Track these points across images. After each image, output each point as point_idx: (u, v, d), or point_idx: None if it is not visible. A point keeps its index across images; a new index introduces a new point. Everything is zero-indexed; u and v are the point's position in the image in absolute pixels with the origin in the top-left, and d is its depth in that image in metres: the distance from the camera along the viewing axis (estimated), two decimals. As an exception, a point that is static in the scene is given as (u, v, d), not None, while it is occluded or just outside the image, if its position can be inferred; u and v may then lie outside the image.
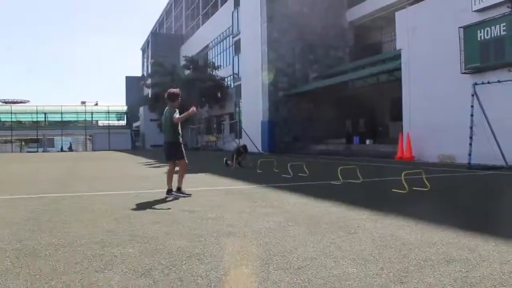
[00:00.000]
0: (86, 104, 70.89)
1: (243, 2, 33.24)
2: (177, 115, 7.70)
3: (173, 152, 7.82)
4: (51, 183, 10.78)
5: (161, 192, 8.05)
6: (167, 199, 7.27)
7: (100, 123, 71.04)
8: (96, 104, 73.01)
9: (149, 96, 52.82)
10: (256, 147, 28.73)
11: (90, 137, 66.90)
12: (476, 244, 3.96)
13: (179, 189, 7.75)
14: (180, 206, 6.52)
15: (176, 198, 7.37)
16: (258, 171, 12.57)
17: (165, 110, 7.89)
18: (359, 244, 4.02)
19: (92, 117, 69.09)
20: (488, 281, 2.98)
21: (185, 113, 7.81)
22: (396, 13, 19.71)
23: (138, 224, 5.12)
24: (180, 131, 7.82)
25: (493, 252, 3.70)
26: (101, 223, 5.22)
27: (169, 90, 8.06)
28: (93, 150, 59.78)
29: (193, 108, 7.92)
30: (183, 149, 7.84)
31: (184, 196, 7.52)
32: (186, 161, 7.89)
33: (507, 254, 3.63)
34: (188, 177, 8.44)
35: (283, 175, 11.07)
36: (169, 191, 7.69)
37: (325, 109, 28.09)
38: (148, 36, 68.86)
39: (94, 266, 3.44)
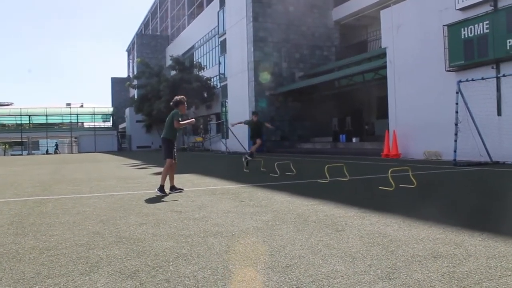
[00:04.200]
0: (72, 105, 70.36)
1: (228, 2, 33.20)
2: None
3: (163, 147, 8.17)
4: (35, 186, 10.64)
5: (147, 193, 8.01)
6: (162, 199, 7.21)
7: (86, 125, 70.47)
8: (82, 106, 72.44)
9: (135, 97, 52.59)
10: (243, 147, 28.70)
11: (76, 139, 66.28)
12: (463, 239, 3.98)
13: (172, 188, 7.98)
14: (167, 206, 6.47)
15: (163, 197, 7.36)
16: (246, 170, 12.55)
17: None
18: (347, 241, 4.01)
19: (77, 119, 68.48)
20: (475, 276, 2.99)
21: (187, 121, 8.28)
22: (381, 12, 19.81)
23: (124, 225, 5.06)
24: (177, 133, 8.19)
25: (480, 246, 3.72)
26: (86, 225, 5.15)
27: (174, 98, 8.41)
28: (79, 152, 59.26)
29: (193, 120, 8.41)
30: (172, 148, 8.04)
31: (162, 195, 7.63)
32: (174, 160, 7.98)
33: (493, 249, 3.65)
34: (175, 177, 8.39)
35: (270, 174, 11.06)
36: (172, 188, 8.01)
37: (312, 108, 28.17)
38: (134, 37, 68.45)
39: (79, 269, 3.39)
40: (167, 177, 8.03)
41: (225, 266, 3.35)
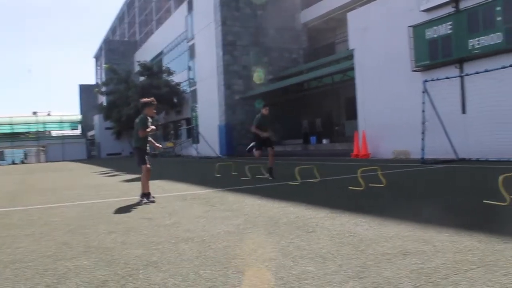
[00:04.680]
0: (38, 114, 68.86)
1: (196, 6, 33.12)
2: (149, 124, 7.78)
3: (135, 156, 7.97)
4: (0, 197, 10.36)
5: (117, 201, 7.89)
6: (135, 206, 7.10)
7: (54, 133, 69.10)
8: (49, 114, 70.98)
9: (104, 104, 51.88)
10: (214, 151, 28.63)
11: (43, 148, 64.91)
12: (431, 235, 4.04)
13: (143, 195, 7.75)
14: (137, 214, 6.39)
15: (139, 204, 7.27)
16: (217, 175, 12.50)
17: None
18: (317, 242, 4.03)
19: (44, 127, 67.09)
20: (443, 271, 3.04)
21: (150, 128, 7.80)
22: (348, 14, 20.08)
23: (93, 235, 4.97)
24: (147, 139, 7.89)
25: (447, 242, 3.79)
26: (54, 236, 5.04)
27: (141, 99, 8.18)
28: (47, 161, 58.04)
29: (153, 127, 7.91)
30: (144, 155, 7.83)
31: (146, 203, 7.47)
32: (148, 166, 7.79)
33: (459, 244, 3.72)
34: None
35: (241, 178, 11.05)
36: (143, 195, 7.70)
37: (282, 111, 28.28)
38: (101, 43, 67.53)
39: (46, 281, 3.30)
40: (145, 183, 7.79)
41: (196, 272, 3.32)
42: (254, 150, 11.18)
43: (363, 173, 8.02)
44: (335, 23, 28.71)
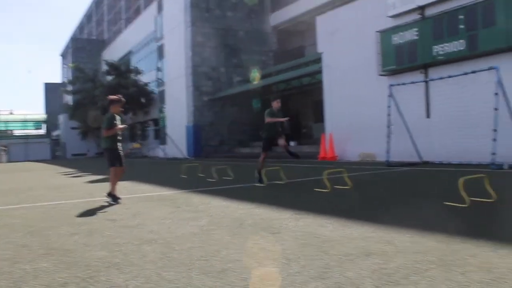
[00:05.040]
0: (0, 113, 66.90)
1: (166, 7, 32.85)
2: (118, 122, 7.65)
3: (107, 158, 7.80)
4: (-41, 198, 10.02)
5: (81, 203, 7.74)
6: (99, 207, 6.97)
7: (17, 132, 67.20)
8: (11, 113, 69.02)
9: (70, 103, 50.85)
10: (181, 152, 28.44)
11: (5, 148, 63.10)
12: (393, 236, 4.12)
13: (109, 194, 7.62)
14: (101, 215, 6.28)
15: (103, 205, 7.14)
16: (183, 176, 12.41)
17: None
18: (281, 243, 4.04)
19: (6, 126, 65.26)
20: (403, 271, 3.10)
21: (117, 128, 7.65)
22: (317, 18, 20.27)
23: (54, 236, 4.86)
24: (117, 138, 7.72)
25: (408, 243, 3.87)
26: (13, 238, 4.90)
27: (109, 97, 8.06)
28: (9, 161, 56.45)
29: (123, 126, 7.80)
30: (118, 155, 7.69)
31: (113, 203, 7.38)
32: (121, 167, 7.67)
33: (420, 244, 3.80)
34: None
35: (208, 179, 11.00)
36: (110, 195, 7.61)
37: (250, 112, 28.32)
38: (68, 41, 66.14)
39: (1, 286, 3.21)
40: (113, 183, 7.68)
41: (158, 274, 3.28)
42: (263, 151, 9.97)
43: (329, 175, 8.10)
44: (305, 26, 28.93)
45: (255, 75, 27.88)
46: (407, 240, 3.98)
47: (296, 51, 30.53)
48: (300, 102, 27.71)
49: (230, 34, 29.86)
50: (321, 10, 24.43)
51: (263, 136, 9.77)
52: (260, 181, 9.43)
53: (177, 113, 30.50)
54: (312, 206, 6.19)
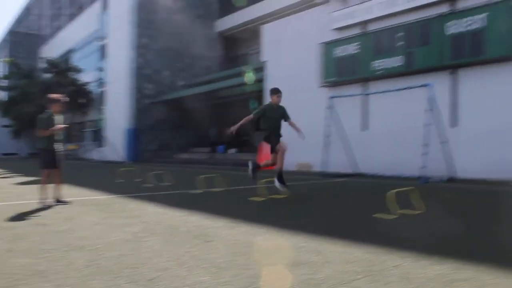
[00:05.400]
0: None
1: (112, 5, 32.09)
2: (57, 121, 7.44)
3: (41, 158, 7.52)
4: None
5: (9, 206, 7.39)
6: (29, 211, 6.66)
7: None
8: None
9: (3, 100, 48.42)
10: (119, 155, 27.82)
11: None
12: (324, 247, 4.21)
13: (59, 201, 7.40)
14: (29, 219, 6.01)
15: (36, 209, 6.82)
16: (119, 180, 12.14)
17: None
18: (214, 252, 4.04)
19: None
20: (330, 281, 3.18)
21: (55, 127, 7.41)
22: (262, 26, 20.50)
23: (-26, 241, 4.61)
24: (54, 138, 7.47)
25: (337, 253, 3.97)
26: None
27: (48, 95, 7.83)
28: None
29: (62, 126, 7.55)
30: (53, 156, 7.42)
31: (62, 204, 7.25)
32: (55, 170, 7.40)
33: (349, 254, 3.91)
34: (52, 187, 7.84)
35: (145, 185, 10.81)
36: (59, 201, 7.38)
37: (192, 118, 28.16)
38: (5, 35, 63.02)
39: None
40: (44, 188, 7.36)
41: (84, 282, 3.19)
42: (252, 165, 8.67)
43: (265, 184, 8.18)
44: (251, 34, 29.15)
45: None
46: (337, 250, 4.09)
47: (241, 58, 30.71)
48: (243, 109, 27.78)
49: (176, 37, 29.62)
50: (267, 18, 24.75)
51: (264, 134, 8.62)
52: (282, 183, 8.12)
53: (117, 115, 29.81)
54: (247, 214, 6.23)
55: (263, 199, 7.70)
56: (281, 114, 8.86)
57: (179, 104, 28.43)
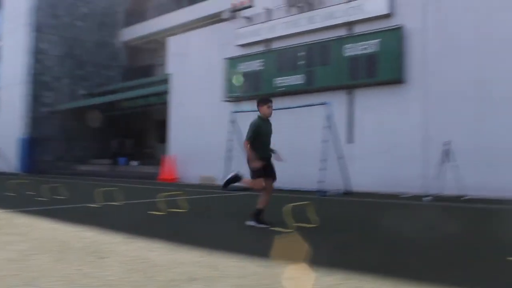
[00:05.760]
0: None
1: (8, 5, 30.09)
2: None
3: None
4: None
5: None
6: None
7: None
8: None
9: None
10: (11, 166, 26.05)
11: None
12: (221, 261, 4.26)
13: None
14: None
15: None
16: (10, 193, 11.35)
17: None
18: (108, 269, 3.92)
19: None
20: (223, 296, 3.23)
21: None
22: (168, 39, 20.37)
23: None
24: None
25: (234, 267, 4.03)
26: None
27: None
28: None
29: None
30: None
31: None
32: None
33: (245, 269, 3.99)
34: None
35: (37, 198, 10.19)
36: None
37: (93, 128, 27.12)
38: None
39: None
40: None
41: (-41, 306, 2.97)
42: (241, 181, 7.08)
43: (166, 198, 8.10)
44: (156, 45, 28.78)
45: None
46: (233, 265, 4.15)
47: (145, 69, 30.18)
48: (146, 121, 27.38)
49: (78, 44, 28.44)
50: (173, 31, 24.61)
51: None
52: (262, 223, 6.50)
53: (10, 123, 27.87)
54: (145, 229, 6.13)
55: (163, 213, 7.60)
56: (271, 130, 7.02)
57: (80, 113, 27.28)
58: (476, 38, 11.87)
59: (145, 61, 31.47)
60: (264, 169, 6.67)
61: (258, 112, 6.90)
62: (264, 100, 6.96)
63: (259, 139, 6.68)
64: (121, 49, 30.76)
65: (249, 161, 6.67)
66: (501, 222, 7.51)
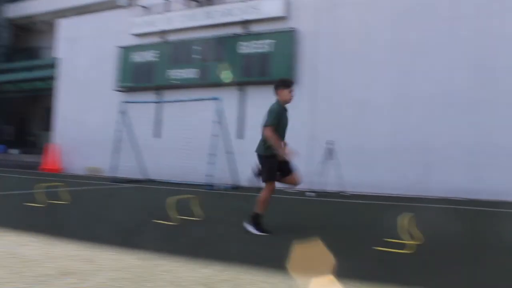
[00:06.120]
0: None
1: None
2: None
3: None
4: None
5: None
6: None
7: None
8: None
9: None
10: None
11: None
12: (97, 254, 4.17)
13: None
14: None
15: None
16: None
17: None
18: (-30, 264, 3.67)
19: None
20: (98, 288, 3.17)
21: None
22: (58, 21, 19.29)
23: None
24: None
25: (111, 261, 3.98)
26: None
27: None
28: None
29: None
30: None
31: None
32: None
33: (121, 262, 3.95)
34: None
35: None
36: None
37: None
38: None
39: None
40: None
41: None
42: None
43: (46, 189, 7.70)
44: (45, 26, 26.96)
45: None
46: (111, 257, 4.09)
47: (32, 52, 28.17)
48: (30, 107, 25.67)
49: None
50: (65, 13, 23.24)
51: (265, 154, 5.72)
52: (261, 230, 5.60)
53: None
54: (19, 222, 5.79)
55: (41, 205, 7.21)
56: (287, 120, 6.04)
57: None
58: (363, 45, 12.69)
59: (32, 43, 29.38)
60: (280, 165, 5.65)
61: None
62: (285, 83, 5.87)
63: (278, 130, 5.72)
64: (4, 27, 28.40)
65: (262, 158, 5.74)
66: (376, 214, 8.10)
